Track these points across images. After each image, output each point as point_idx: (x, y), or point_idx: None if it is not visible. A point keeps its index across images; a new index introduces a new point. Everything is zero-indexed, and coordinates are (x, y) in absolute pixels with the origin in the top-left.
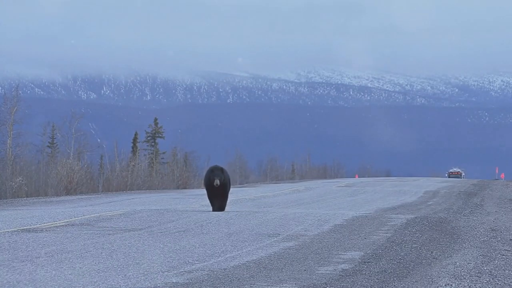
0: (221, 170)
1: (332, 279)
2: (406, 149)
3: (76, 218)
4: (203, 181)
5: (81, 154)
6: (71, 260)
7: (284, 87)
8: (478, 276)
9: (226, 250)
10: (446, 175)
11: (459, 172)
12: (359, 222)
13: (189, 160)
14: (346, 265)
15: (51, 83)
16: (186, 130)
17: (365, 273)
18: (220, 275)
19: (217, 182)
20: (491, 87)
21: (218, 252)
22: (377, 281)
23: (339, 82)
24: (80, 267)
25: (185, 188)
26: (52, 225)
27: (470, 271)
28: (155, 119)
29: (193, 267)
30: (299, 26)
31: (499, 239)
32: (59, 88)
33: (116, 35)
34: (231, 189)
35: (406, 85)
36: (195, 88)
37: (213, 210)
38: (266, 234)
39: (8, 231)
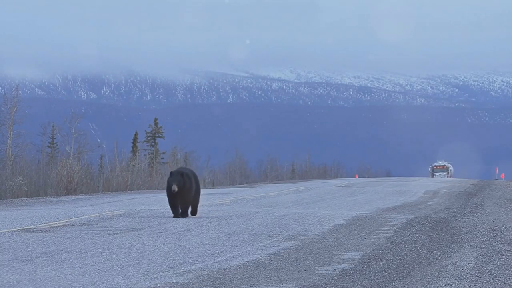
0: (181, 174)
1: (332, 279)
2: (406, 149)
3: (76, 218)
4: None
5: (81, 154)
6: (71, 260)
7: (284, 87)
8: (478, 276)
9: (226, 250)
10: (429, 169)
11: (445, 166)
12: (359, 222)
13: (189, 160)
14: (346, 265)
15: (51, 83)
16: (186, 130)
17: (365, 273)
18: (220, 275)
19: (174, 187)
20: (491, 87)
21: (218, 252)
22: (377, 281)
23: (339, 82)
24: (80, 267)
25: None
26: (52, 225)
27: (470, 271)
28: (155, 119)
29: (193, 267)
30: (299, 24)
31: (499, 239)
32: (59, 88)
33: (116, 35)
34: (227, 189)
35: (406, 85)
36: (195, 88)
37: (174, 217)
38: (266, 234)
39: (8, 231)
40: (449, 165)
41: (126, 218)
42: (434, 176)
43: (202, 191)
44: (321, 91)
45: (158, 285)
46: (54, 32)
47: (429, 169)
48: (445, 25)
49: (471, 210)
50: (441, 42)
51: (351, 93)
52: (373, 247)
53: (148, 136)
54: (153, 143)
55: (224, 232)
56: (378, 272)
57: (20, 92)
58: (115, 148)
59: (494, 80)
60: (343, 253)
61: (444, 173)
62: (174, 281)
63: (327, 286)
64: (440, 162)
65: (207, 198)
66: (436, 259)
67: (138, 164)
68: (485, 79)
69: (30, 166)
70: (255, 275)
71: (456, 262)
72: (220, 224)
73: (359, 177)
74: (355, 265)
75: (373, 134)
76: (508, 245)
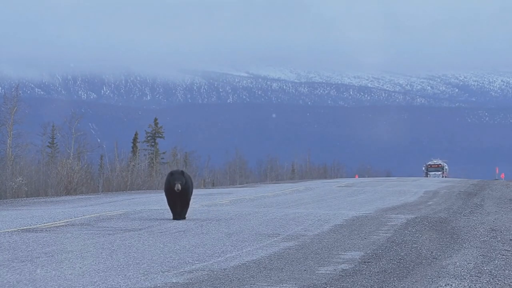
0: (182, 173)
1: (332, 279)
2: (406, 149)
3: (76, 218)
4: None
5: (81, 154)
6: (71, 260)
7: (284, 87)
8: (478, 276)
9: (226, 250)
10: (424, 168)
11: (440, 165)
12: (359, 222)
13: (189, 160)
14: (346, 265)
15: (51, 83)
16: (186, 130)
17: (365, 273)
18: (220, 275)
19: (178, 186)
20: (491, 87)
21: (218, 252)
22: (377, 281)
23: (339, 82)
24: (80, 267)
25: None
26: (52, 225)
27: (470, 271)
28: (155, 119)
29: (193, 267)
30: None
31: (499, 239)
32: (59, 88)
33: (116, 35)
34: (227, 189)
35: (406, 85)
36: (195, 88)
37: (174, 218)
38: (266, 234)
39: (8, 231)
40: (444, 163)
41: (126, 218)
42: (429, 175)
43: (202, 191)
44: (321, 91)
45: (158, 285)
46: (54, 32)
47: (423, 168)
48: (445, 25)
49: (471, 210)
50: (441, 42)
51: (351, 93)
52: (373, 247)
53: (148, 136)
54: (153, 143)
55: (224, 232)
56: (378, 272)
57: (20, 92)
58: (115, 148)
59: (494, 80)
60: (343, 253)
61: (439, 172)
62: (174, 281)
63: (327, 286)
64: (435, 161)
65: (207, 198)
66: (436, 259)
67: (138, 164)
68: (485, 79)
69: (30, 166)
70: (255, 275)
71: (456, 262)
72: (220, 224)
73: (359, 177)
74: (355, 265)
75: (373, 134)
76: (508, 245)
